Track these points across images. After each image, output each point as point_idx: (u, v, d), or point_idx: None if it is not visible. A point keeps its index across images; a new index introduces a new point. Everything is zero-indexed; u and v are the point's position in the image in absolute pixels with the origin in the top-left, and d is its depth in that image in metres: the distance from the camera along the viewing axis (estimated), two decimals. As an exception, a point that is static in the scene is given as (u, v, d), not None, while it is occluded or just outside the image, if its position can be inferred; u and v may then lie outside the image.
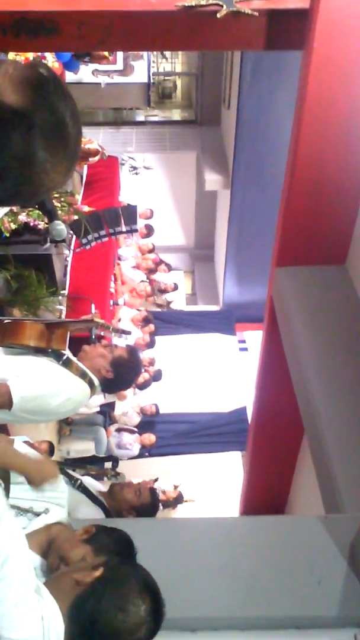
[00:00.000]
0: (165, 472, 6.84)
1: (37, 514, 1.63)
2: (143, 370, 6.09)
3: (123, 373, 2.31)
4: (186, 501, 6.46)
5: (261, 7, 2.47)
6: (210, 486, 6.80)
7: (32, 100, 0.87)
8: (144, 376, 6.36)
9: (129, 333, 2.79)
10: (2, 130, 0.86)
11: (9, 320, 2.24)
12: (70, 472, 2.60)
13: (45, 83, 0.88)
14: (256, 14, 2.45)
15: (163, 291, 8.21)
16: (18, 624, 1.10)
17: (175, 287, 8.40)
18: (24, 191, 0.92)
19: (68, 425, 6.43)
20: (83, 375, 2.22)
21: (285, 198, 2.95)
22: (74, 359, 2.27)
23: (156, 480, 6.36)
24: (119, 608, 1.20)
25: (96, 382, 2.26)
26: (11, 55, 4.36)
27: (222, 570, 2.17)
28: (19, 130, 0.86)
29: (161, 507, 5.59)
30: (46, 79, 0.89)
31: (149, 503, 2.43)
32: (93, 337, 2.43)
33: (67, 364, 2.21)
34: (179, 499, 6.33)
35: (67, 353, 2.26)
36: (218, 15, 2.43)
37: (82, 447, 6.17)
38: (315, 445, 2.69)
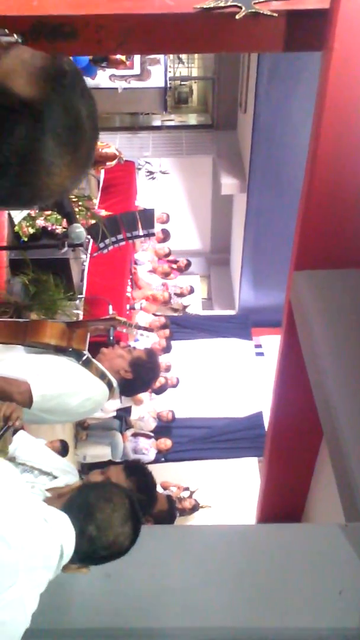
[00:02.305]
0: (181, 478, 6.82)
1: (55, 477, 1.93)
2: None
3: (142, 374, 2.29)
4: (202, 507, 6.42)
5: (280, 8, 2.44)
6: (226, 492, 6.75)
7: (47, 93, 0.77)
8: (159, 380, 6.34)
9: (151, 330, 2.77)
10: (7, 121, 0.76)
11: (30, 319, 2.24)
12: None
13: (63, 76, 0.79)
14: (275, 15, 2.42)
15: (179, 295, 8.19)
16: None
17: (192, 290, 8.39)
18: (22, 192, 0.82)
19: (84, 430, 6.43)
20: (102, 376, 2.21)
21: (304, 201, 2.91)
22: (94, 359, 2.26)
23: (186, 489, 6.35)
24: (105, 499, 1.50)
25: (115, 383, 2.25)
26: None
27: (240, 580, 2.14)
28: (25, 124, 0.76)
29: (177, 514, 5.56)
30: (65, 72, 0.80)
31: (166, 510, 2.40)
32: (111, 338, 2.42)
33: (87, 363, 2.20)
34: (195, 508, 6.30)
35: (87, 353, 2.25)
36: (237, 17, 2.41)
37: (99, 452, 6.17)
38: (334, 451, 2.64)
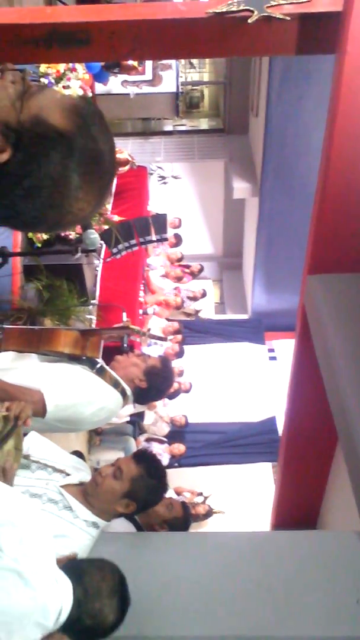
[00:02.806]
0: (195, 483, 6.79)
1: (68, 474, 1.99)
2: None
3: (156, 383, 2.28)
4: (216, 513, 6.38)
5: (293, 11, 2.43)
6: (240, 497, 6.72)
7: (77, 126, 0.89)
8: (173, 386, 6.32)
9: (164, 339, 2.76)
10: (43, 147, 0.87)
11: (44, 327, 2.24)
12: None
13: (92, 114, 0.91)
14: (288, 18, 2.41)
15: (192, 299, 8.19)
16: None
17: (204, 294, 8.38)
18: (50, 215, 0.91)
19: (98, 435, 6.44)
20: (116, 384, 2.20)
21: (318, 204, 2.89)
22: (107, 367, 2.25)
23: (200, 494, 6.33)
24: (97, 567, 1.59)
25: (129, 391, 2.24)
26: (43, 67, 4.42)
27: (255, 588, 2.12)
28: (59, 151, 0.87)
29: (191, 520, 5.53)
30: (93, 112, 0.92)
31: (181, 517, 2.39)
32: (125, 346, 2.41)
33: (100, 372, 2.20)
34: (208, 514, 6.27)
35: (101, 361, 2.24)
36: (249, 21, 2.40)
37: (112, 457, 6.14)
38: (350, 456, 2.61)
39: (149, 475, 1.93)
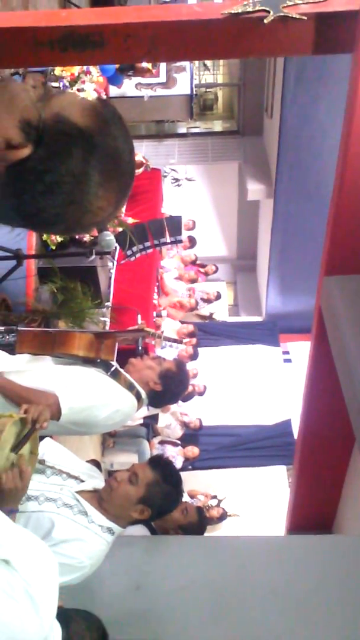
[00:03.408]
0: (209, 486, 6.77)
1: (82, 481, 2.00)
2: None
3: (171, 386, 2.27)
4: (230, 516, 6.35)
5: (309, 10, 2.40)
6: (254, 501, 6.68)
7: (97, 124, 0.91)
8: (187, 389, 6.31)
9: (180, 342, 2.75)
10: (65, 143, 0.89)
11: (59, 330, 2.24)
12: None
13: (111, 115, 0.94)
14: (304, 18, 2.39)
15: (206, 300, 8.17)
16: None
17: (218, 296, 8.36)
18: (70, 211, 0.92)
19: (112, 437, 6.44)
20: (130, 387, 2.19)
21: (335, 203, 2.86)
22: (122, 370, 2.25)
23: (214, 497, 6.30)
24: (83, 617, 1.61)
25: (143, 394, 2.23)
26: (58, 70, 4.44)
27: (272, 593, 2.09)
28: (80, 147, 0.89)
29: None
30: (113, 112, 0.94)
31: (196, 522, 2.37)
32: (140, 348, 2.40)
33: (115, 375, 2.19)
34: (222, 517, 6.24)
35: (116, 364, 2.24)
36: (265, 21, 2.38)
37: (126, 460, 6.15)
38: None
39: (165, 481, 1.92)
